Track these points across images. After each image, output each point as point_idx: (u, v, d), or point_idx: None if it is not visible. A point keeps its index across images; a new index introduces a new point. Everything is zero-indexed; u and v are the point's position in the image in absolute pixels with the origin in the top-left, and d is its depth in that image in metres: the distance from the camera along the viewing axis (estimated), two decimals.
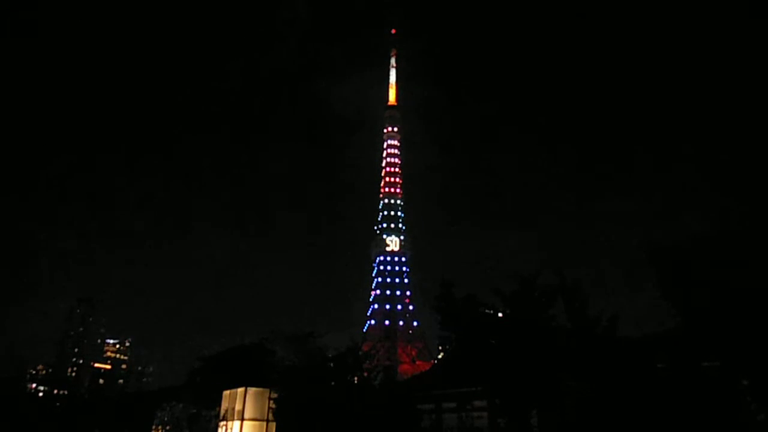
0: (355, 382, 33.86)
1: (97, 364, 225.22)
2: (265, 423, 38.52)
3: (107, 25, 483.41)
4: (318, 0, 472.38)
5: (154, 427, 50.20)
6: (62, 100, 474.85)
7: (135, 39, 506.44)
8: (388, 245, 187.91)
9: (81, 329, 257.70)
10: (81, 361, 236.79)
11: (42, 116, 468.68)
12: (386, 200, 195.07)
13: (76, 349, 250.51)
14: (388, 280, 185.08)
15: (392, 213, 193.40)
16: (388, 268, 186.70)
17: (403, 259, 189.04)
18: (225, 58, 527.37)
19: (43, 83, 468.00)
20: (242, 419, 39.01)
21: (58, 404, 58.43)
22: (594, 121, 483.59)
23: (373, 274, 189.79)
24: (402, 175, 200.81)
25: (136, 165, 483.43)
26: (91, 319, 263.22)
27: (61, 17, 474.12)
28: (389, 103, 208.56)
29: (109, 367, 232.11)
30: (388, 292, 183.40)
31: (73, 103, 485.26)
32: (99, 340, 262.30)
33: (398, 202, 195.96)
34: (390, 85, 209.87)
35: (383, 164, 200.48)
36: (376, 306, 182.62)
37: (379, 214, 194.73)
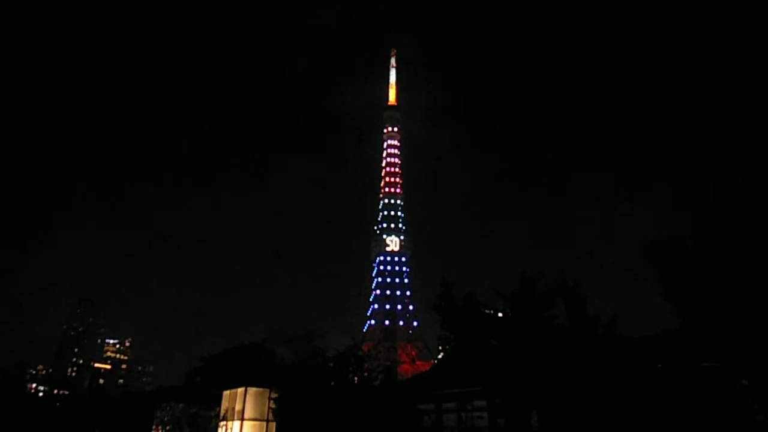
0: (356, 382, 33.80)
1: (97, 364, 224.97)
2: (265, 423, 38.48)
3: (134, 30, 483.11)
4: (325, 6, 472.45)
5: (154, 427, 50.08)
6: (65, 101, 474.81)
7: (160, 42, 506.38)
8: (388, 245, 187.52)
9: (81, 329, 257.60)
10: (81, 361, 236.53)
11: (42, 116, 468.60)
12: (386, 200, 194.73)
13: (76, 349, 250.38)
14: (388, 280, 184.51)
15: (392, 213, 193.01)
16: (388, 268, 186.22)
17: (403, 259, 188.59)
18: (241, 65, 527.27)
19: (46, 87, 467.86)
20: (242, 419, 38.97)
21: (58, 404, 58.42)
22: (595, 123, 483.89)
23: (373, 274, 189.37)
24: (402, 175, 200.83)
25: (139, 165, 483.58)
26: (91, 319, 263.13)
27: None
28: (389, 103, 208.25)
29: (109, 367, 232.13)
30: (388, 292, 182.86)
31: (76, 102, 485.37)
32: (99, 340, 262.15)
33: (398, 202, 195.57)
34: (390, 85, 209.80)
35: (383, 164, 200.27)
36: (376, 306, 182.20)
37: (379, 214, 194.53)
